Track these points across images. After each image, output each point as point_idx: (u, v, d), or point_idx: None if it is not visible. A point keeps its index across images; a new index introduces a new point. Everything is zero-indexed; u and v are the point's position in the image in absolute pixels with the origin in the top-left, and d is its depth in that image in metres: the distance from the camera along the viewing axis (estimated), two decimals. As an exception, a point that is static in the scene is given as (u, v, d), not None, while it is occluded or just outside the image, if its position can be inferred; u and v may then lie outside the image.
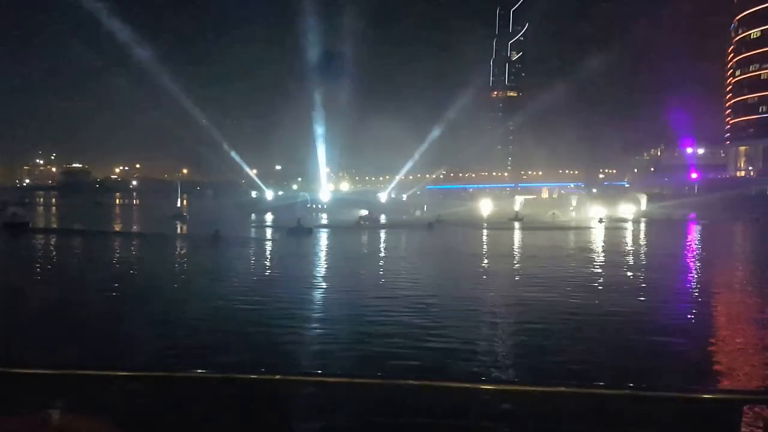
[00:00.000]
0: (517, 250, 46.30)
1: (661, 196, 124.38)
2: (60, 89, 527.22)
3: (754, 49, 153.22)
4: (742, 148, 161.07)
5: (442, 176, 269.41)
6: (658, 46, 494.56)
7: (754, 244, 57.74)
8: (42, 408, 1.94)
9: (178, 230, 61.32)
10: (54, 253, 43.10)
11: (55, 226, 67.94)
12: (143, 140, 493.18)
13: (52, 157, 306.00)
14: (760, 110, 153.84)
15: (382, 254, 43.16)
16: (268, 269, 35.01)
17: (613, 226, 70.99)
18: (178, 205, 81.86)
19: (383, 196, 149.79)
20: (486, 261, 38.91)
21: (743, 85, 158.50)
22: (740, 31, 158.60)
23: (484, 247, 49.69)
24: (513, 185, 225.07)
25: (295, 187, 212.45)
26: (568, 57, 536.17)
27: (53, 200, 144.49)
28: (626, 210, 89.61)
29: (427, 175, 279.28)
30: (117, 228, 66.33)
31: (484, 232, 62.86)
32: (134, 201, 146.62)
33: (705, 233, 67.85)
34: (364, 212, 71.13)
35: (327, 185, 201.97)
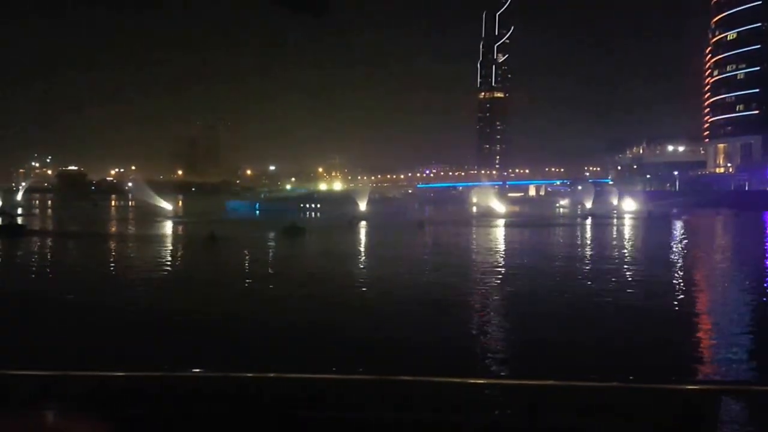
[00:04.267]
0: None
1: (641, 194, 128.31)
2: (57, 93, 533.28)
3: (731, 50, 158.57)
4: (721, 146, 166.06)
5: (432, 175, 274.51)
6: (641, 46, 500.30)
7: (731, 237, 61.06)
8: (36, 409, 1.97)
9: (173, 232, 60.64)
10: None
11: (50, 228, 67.63)
12: (138, 142, 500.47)
13: (48, 160, 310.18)
14: (737, 109, 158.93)
15: (371, 252, 43.82)
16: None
17: (599, 223, 73.48)
18: (169, 206, 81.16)
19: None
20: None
21: (721, 85, 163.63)
22: (717, 33, 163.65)
23: (467, 243, 53.37)
24: (501, 183, 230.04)
25: (288, 186, 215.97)
26: (553, 59, 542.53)
27: (49, 202, 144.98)
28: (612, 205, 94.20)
29: (418, 174, 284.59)
30: (112, 230, 65.31)
31: (473, 229, 64.46)
32: (130, 202, 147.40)
33: (685, 228, 69.67)
34: (362, 207, 74.74)
35: (320, 185, 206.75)
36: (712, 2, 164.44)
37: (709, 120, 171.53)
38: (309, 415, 3.41)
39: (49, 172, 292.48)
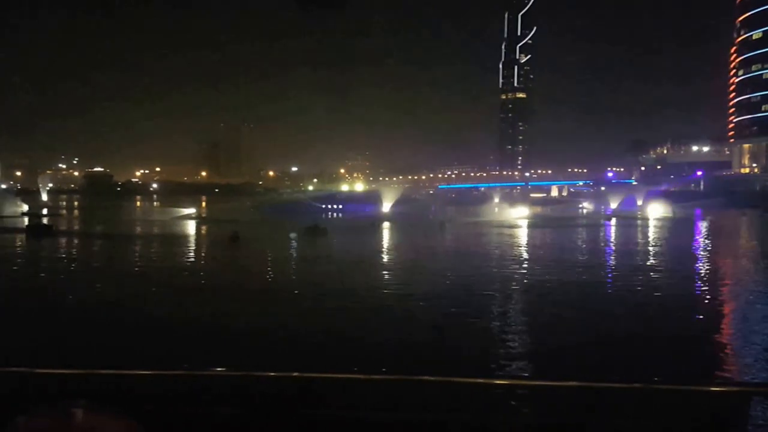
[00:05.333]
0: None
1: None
2: (83, 95, 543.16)
3: (756, 50, 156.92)
4: (746, 146, 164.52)
5: (453, 176, 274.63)
6: (664, 46, 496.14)
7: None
8: (66, 407, 1.92)
9: (194, 232, 61.65)
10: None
11: (76, 228, 68.33)
12: (163, 144, 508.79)
13: (75, 162, 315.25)
14: (762, 109, 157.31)
15: (391, 255, 43.75)
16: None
17: (624, 224, 73.39)
18: (192, 210, 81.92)
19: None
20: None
21: (746, 85, 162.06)
22: (742, 32, 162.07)
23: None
24: (523, 184, 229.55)
25: (310, 187, 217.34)
26: (576, 59, 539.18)
27: (75, 203, 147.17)
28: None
29: (440, 175, 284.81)
30: (138, 230, 64.50)
31: (494, 230, 63.64)
32: (155, 203, 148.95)
33: (713, 229, 69.20)
34: (385, 207, 75.59)
35: (342, 185, 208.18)
36: (737, 1, 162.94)
37: (734, 120, 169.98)
38: (328, 414, 3.42)
39: (76, 173, 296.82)
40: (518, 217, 79.23)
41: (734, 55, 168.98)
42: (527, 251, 44.73)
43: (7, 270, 33.19)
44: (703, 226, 71.57)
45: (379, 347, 16.51)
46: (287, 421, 3.32)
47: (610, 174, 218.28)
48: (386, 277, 31.51)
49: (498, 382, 3.96)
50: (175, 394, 3.47)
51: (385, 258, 40.94)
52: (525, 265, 36.01)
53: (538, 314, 22.01)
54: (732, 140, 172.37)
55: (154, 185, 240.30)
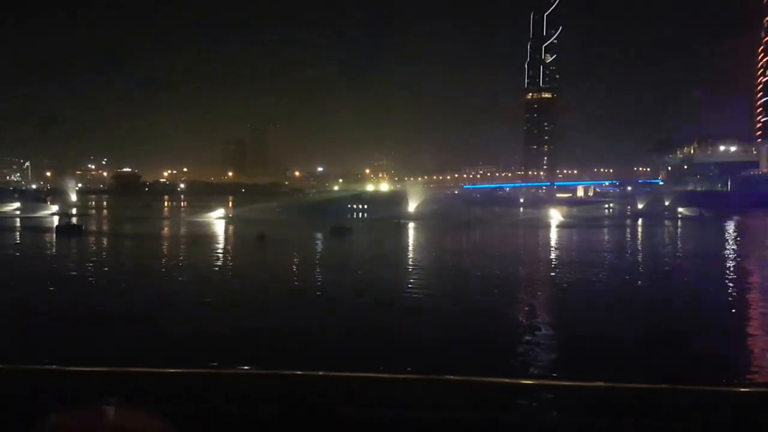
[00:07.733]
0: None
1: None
2: (112, 97, 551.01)
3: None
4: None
5: (478, 176, 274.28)
6: (692, 46, 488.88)
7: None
8: (97, 405, 1.92)
9: (216, 232, 61.63)
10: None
11: (105, 229, 68.16)
12: (191, 144, 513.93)
13: (103, 162, 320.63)
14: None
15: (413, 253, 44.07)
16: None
17: (652, 224, 73.31)
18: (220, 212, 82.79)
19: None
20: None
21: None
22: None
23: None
24: (549, 184, 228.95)
25: (336, 187, 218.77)
26: (601, 59, 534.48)
27: (104, 203, 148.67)
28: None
29: (464, 175, 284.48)
30: (165, 231, 65.58)
31: (522, 232, 63.83)
32: (182, 203, 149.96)
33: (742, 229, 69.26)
34: (410, 207, 76.38)
35: (367, 185, 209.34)
36: (765, 2, 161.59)
37: (762, 120, 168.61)
38: (352, 414, 3.40)
39: (104, 173, 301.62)
40: (545, 218, 78.95)
41: (761, 55, 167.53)
42: (563, 256, 41.90)
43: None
44: (733, 226, 71.27)
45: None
46: (312, 422, 3.31)
47: (635, 174, 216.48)
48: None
49: (523, 381, 3.91)
50: (198, 393, 3.47)
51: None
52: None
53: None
54: (759, 140, 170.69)
55: (182, 185, 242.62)
